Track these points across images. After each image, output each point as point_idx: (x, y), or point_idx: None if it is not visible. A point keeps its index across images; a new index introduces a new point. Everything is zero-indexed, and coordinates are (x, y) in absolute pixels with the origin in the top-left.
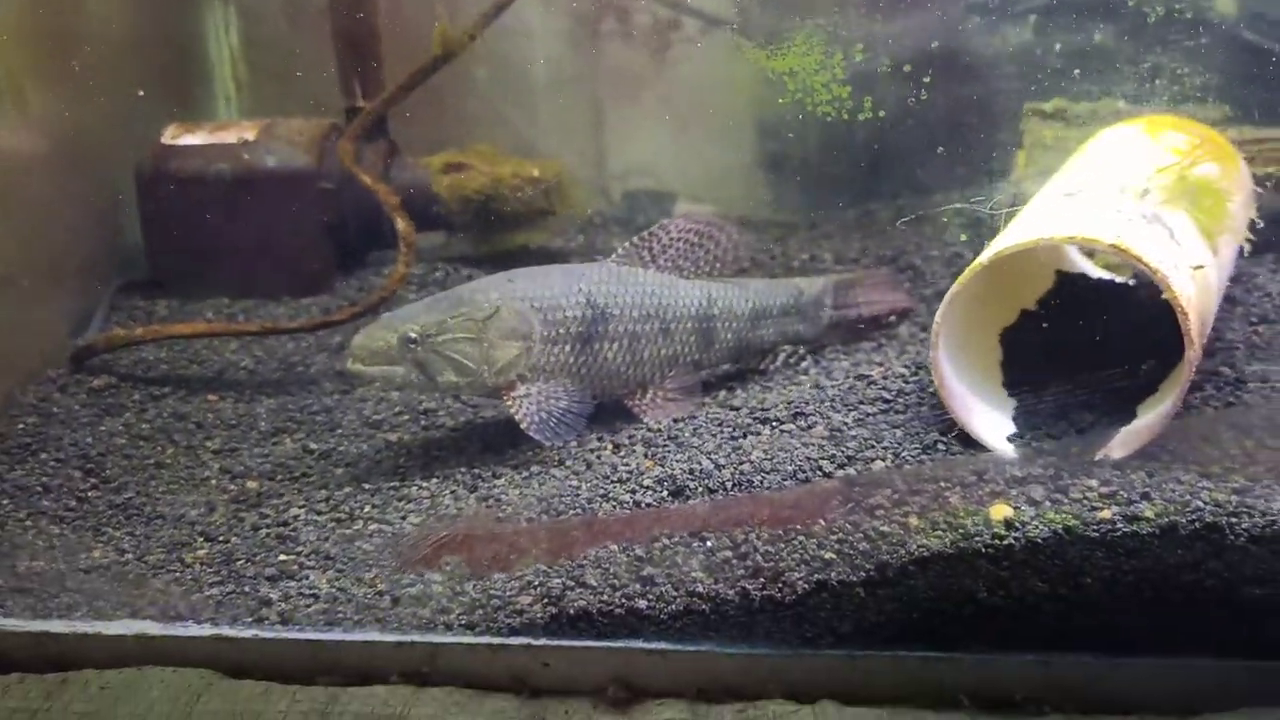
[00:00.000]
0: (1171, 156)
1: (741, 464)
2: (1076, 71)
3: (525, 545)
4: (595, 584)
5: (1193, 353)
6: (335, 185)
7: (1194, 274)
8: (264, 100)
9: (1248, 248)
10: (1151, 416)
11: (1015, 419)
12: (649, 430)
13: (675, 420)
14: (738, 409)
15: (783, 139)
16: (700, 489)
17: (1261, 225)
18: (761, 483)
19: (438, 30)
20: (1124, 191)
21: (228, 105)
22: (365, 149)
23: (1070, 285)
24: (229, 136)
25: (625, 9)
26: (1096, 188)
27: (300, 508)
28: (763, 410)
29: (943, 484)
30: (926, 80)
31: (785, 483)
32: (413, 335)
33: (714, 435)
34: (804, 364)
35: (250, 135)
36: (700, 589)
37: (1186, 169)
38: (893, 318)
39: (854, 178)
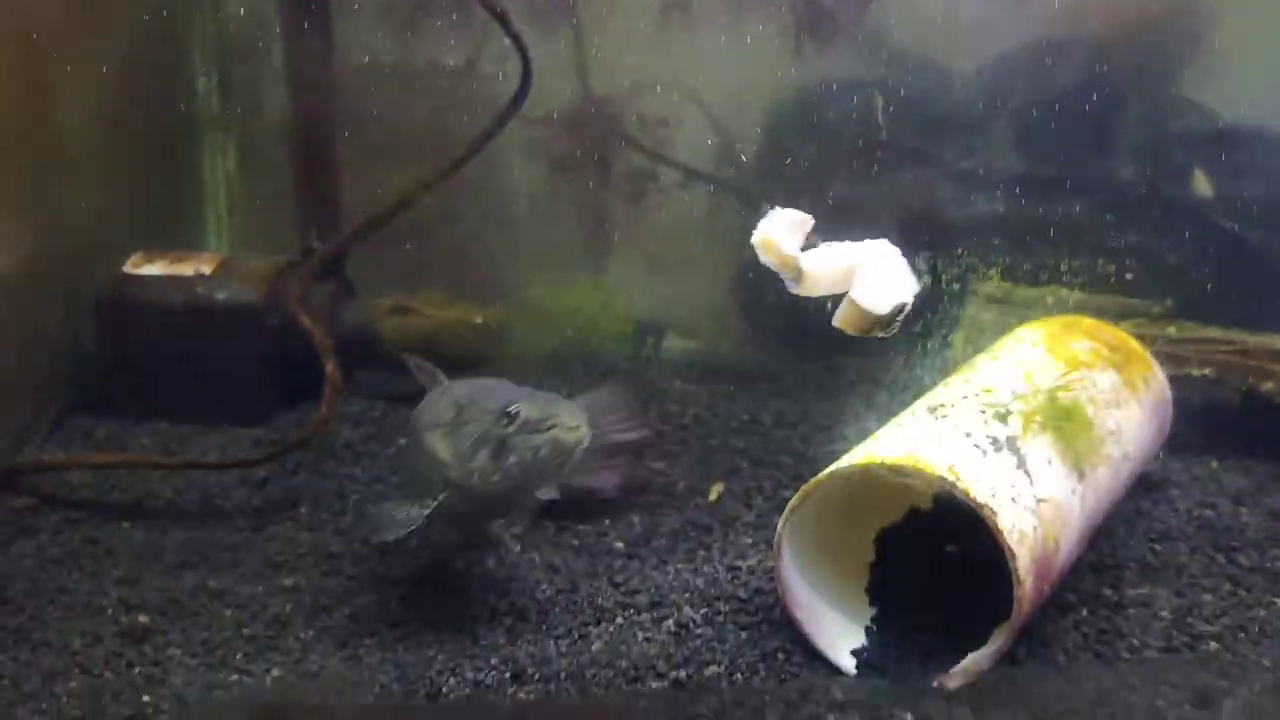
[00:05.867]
0: (1056, 371)
1: (581, 655)
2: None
3: None
4: None
5: (1020, 591)
6: (281, 322)
7: (1039, 505)
8: (254, 228)
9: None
10: (986, 651)
11: (867, 631)
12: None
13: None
14: (618, 586)
15: (750, 285)
16: (537, 675)
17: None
18: (594, 678)
19: (400, 182)
20: (985, 411)
21: (218, 231)
22: (316, 289)
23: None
24: (186, 269)
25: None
26: (962, 404)
27: (179, 648)
28: (631, 595)
29: (767, 699)
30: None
31: (616, 680)
32: None
33: (575, 614)
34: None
35: (207, 269)
36: None
37: (1058, 390)
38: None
39: (819, 330)
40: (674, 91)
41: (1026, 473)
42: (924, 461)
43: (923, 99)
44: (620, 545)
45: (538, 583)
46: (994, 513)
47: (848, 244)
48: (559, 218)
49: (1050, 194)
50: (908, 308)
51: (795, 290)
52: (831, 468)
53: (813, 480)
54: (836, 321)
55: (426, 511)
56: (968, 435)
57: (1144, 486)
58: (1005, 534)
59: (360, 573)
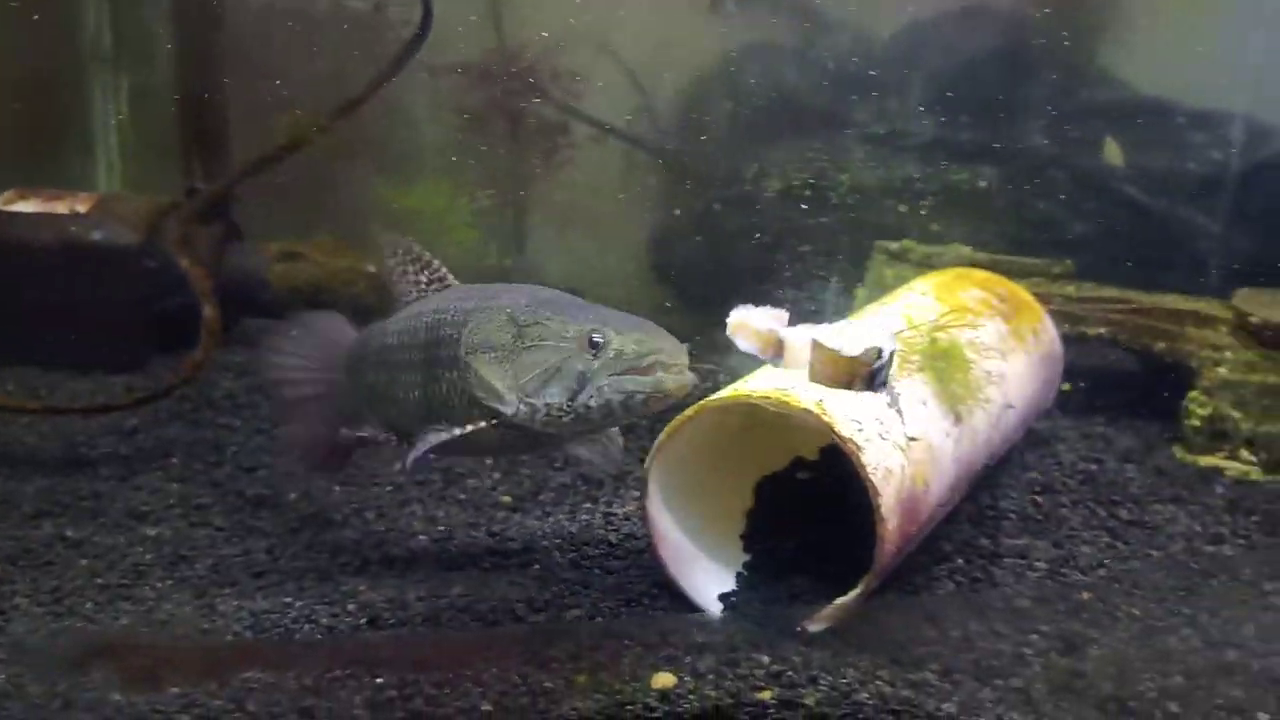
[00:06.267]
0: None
1: (440, 599)
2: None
3: (193, 662)
4: (254, 710)
5: (883, 529)
6: (160, 264)
7: (909, 445)
8: (148, 172)
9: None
10: (850, 595)
11: (738, 576)
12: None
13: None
14: (494, 535)
15: (667, 243)
16: (393, 620)
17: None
18: (450, 621)
19: (289, 118)
20: None
21: (109, 174)
22: (200, 232)
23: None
24: (61, 207)
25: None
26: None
27: (25, 597)
28: (504, 543)
29: (626, 642)
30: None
31: (473, 624)
32: None
33: (443, 562)
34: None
35: (83, 208)
36: None
37: (935, 331)
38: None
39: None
40: (589, 45)
41: (899, 411)
42: (792, 396)
43: (838, 61)
44: (508, 499)
45: (415, 534)
46: (858, 448)
47: (824, 326)
48: (464, 169)
49: (960, 157)
50: (887, 357)
51: (781, 367)
52: (700, 402)
53: (681, 416)
54: (811, 377)
55: (456, 433)
56: None
57: (1031, 441)
58: (869, 470)
59: (230, 524)
